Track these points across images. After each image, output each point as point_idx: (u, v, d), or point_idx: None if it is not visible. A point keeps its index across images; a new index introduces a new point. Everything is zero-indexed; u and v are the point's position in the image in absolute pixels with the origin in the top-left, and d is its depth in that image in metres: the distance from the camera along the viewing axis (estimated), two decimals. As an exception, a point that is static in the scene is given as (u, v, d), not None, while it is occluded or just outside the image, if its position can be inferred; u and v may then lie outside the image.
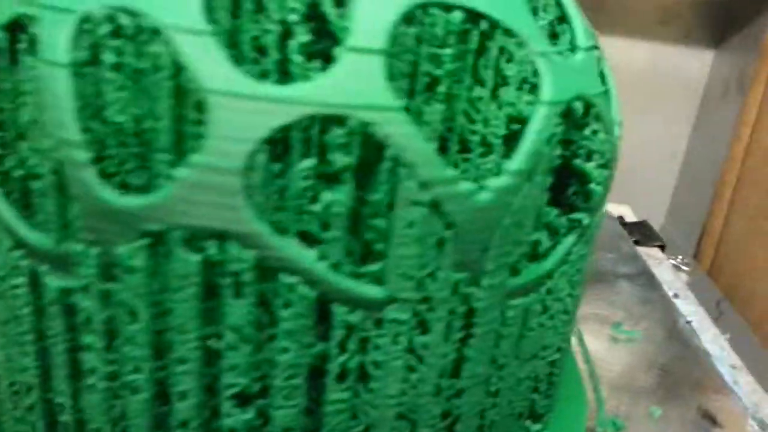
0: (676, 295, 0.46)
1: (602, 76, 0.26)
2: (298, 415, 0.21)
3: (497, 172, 0.20)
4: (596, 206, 0.25)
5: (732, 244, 0.89)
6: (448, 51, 0.21)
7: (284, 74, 0.20)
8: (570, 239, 0.25)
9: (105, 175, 0.20)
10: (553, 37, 0.26)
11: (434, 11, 0.20)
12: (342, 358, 0.21)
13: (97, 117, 0.20)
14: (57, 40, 0.18)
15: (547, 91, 0.21)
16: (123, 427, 0.22)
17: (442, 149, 0.23)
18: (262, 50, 0.20)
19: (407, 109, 0.19)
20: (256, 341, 0.20)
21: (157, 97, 0.19)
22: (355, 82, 0.18)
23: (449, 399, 0.23)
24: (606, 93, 0.24)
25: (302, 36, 0.20)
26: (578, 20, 0.25)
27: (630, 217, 0.59)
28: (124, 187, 0.19)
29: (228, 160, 0.17)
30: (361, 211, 0.19)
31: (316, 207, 0.19)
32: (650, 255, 0.52)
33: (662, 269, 0.50)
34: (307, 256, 0.19)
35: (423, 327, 0.21)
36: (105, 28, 0.19)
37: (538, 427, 0.29)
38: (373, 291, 0.20)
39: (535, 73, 0.21)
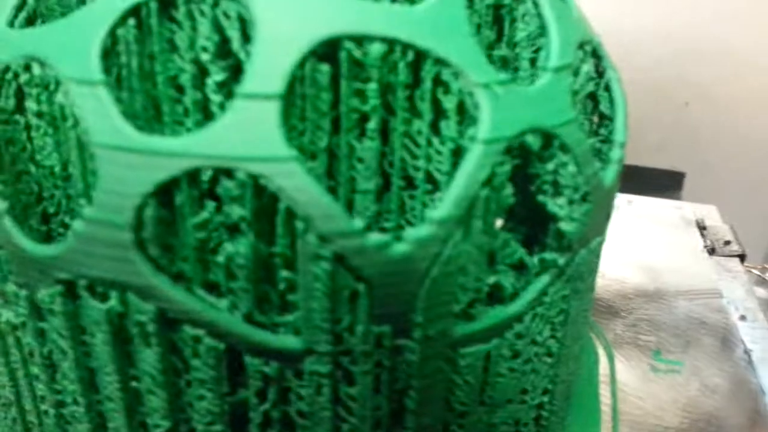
0: (743, 317, 0.41)
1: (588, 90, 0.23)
2: (226, 458, 0.21)
3: (421, 219, 0.19)
4: (571, 245, 0.22)
5: None
6: (371, 86, 0.19)
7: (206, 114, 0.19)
8: (544, 280, 0.23)
9: (43, 219, 0.20)
10: (535, 51, 0.23)
11: (349, 46, 0.18)
12: (263, 407, 0.20)
13: (31, 160, 0.20)
14: (-23, 91, 0.19)
15: (483, 129, 0.19)
16: (74, 453, 0.23)
17: (385, 186, 0.21)
18: (180, 90, 0.20)
19: (323, 155, 0.18)
20: (173, 387, 0.20)
21: (69, 146, 0.19)
22: (245, 130, 0.17)
23: (394, 448, 0.22)
24: (574, 121, 0.21)
25: (217, 74, 0.19)
26: (556, 33, 0.22)
27: (713, 221, 0.53)
28: (48, 237, 0.20)
29: (116, 215, 0.17)
30: (271, 261, 0.19)
31: (220, 258, 0.18)
32: (724, 267, 0.46)
33: (735, 285, 0.44)
34: (209, 308, 0.18)
35: (349, 379, 0.20)
36: (24, 77, 0.19)
37: (526, 470, 0.27)
38: (289, 342, 0.19)
39: (477, 106, 0.19)
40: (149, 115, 0.20)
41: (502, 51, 0.24)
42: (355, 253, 0.18)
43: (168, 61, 0.19)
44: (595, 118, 0.26)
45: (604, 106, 0.26)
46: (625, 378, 0.35)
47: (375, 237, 0.18)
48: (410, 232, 0.18)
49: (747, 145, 0.89)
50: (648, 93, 0.87)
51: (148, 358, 0.19)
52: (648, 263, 0.46)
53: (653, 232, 0.51)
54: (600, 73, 0.26)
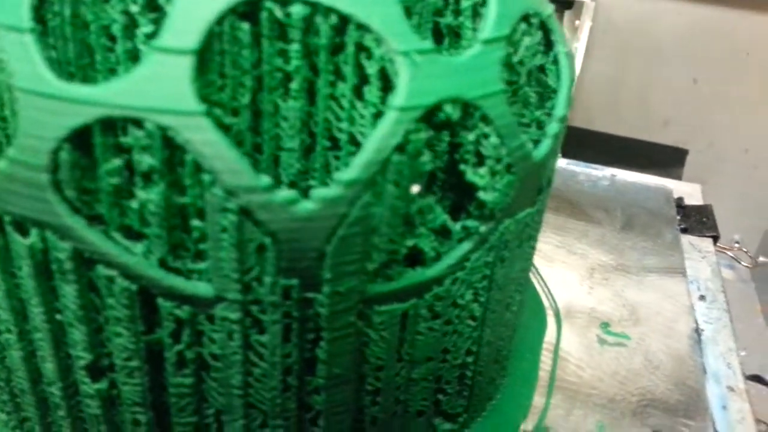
0: (702, 297, 0.41)
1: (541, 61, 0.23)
2: (144, 393, 0.22)
3: (330, 180, 0.19)
4: (493, 214, 0.23)
5: None
6: (293, 47, 0.19)
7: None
8: (465, 247, 0.23)
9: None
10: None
11: (270, 5, 0.19)
12: (177, 348, 0.21)
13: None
14: None
15: (399, 96, 0.19)
16: (11, 376, 0.24)
17: (310, 147, 0.22)
18: (112, 38, 0.20)
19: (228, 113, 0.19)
20: (92, 322, 0.21)
21: (1, 88, 0.20)
22: (157, 83, 0.17)
23: (307, 395, 0.23)
24: (499, 93, 0.21)
25: (146, 26, 0.19)
26: (495, 4, 0.22)
27: (695, 200, 0.53)
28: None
29: (34, 156, 0.18)
30: (185, 208, 0.19)
31: (134, 204, 0.19)
32: (696, 246, 0.47)
33: (702, 265, 0.44)
34: (123, 252, 0.19)
35: (259, 327, 0.21)
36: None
37: (448, 425, 0.28)
38: (201, 288, 0.20)
39: (396, 73, 0.19)
40: (84, 63, 0.21)
41: (449, 19, 0.24)
42: (261, 207, 0.18)
43: (100, 11, 0.20)
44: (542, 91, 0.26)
45: (551, 80, 0.26)
46: (571, 347, 0.36)
47: (281, 193, 0.18)
48: (317, 192, 0.19)
49: (752, 127, 0.87)
50: (656, 68, 0.86)
51: (68, 293, 0.20)
52: (618, 238, 0.47)
53: (630, 208, 0.51)
54: (549, 46, 0.26)
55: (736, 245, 0.54)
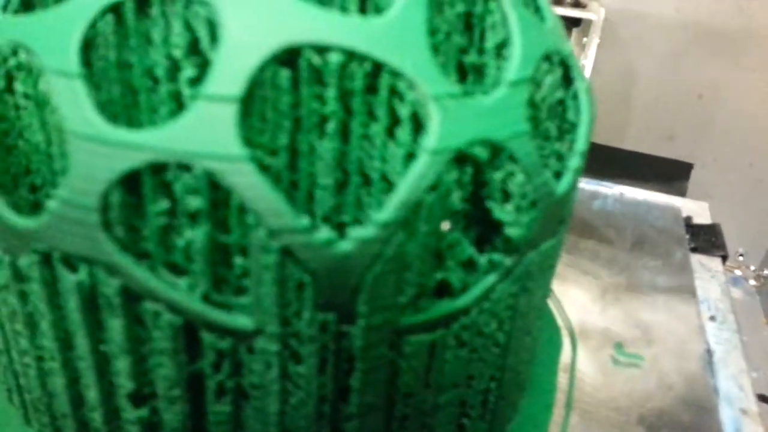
0: (712, 318, 0.42)
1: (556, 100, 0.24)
2: (184, 420, 0.23)
3: (366, 221, 0.20)
4: (518, 248, 0.24)
5: None
6: (330, 92, 0.20)
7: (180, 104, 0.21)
8: (490, 278, 0.24)
9: (32, 189, 0.22)
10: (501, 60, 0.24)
11: (309, 53, 0.19)
12: (217, 378, 0.22)
13: (20, 136, 0.22)
14: (-31, 72, 0.21)
15: (430, 138, 0.20)
16: (52, 401, 0.25)
17: (344, 183, 0.23)
18: (155, 80, 0.21)
19: (285, 154, 0.20)
20: (137, 353, 0.22)
21: (51, 127, 0.20)
22: (203, 129, 0.18)
23: (340, 422, 0.24)
24: (525, 133, 0.22)
25: (188, 70, 0.20)
26: (519, 46, 0.23)
27: (703, 219, 0.54)
28: (35, 206, 0.21)
29: (85, 197, 0.19)
30: (228, 247, 0.20)
31: (180, 242, 0.20)
32: (705, 266, 0.47)
33: (711, 285, 0.45)
34: (169, 287, 0.20)
35: (296, 358, 0.22)
36: (13, 61, 0.21)
37: (471, 449, 0.29)
38: (241, 322, 0.21)
39: (427, 116, 0.20)
40: (127, 102, 0.22)
41: (473, 58, 0.25)
42: (302, 248, 0.19)
43: (144, 55, 0.21)
44: (563, 125, 0.27)
45: (571, 114, 0.27)
46: (586, 368, 0.37)
47: (320, 234, 0.19)
48: (354, 232, 0.20)
49: (757, 141, 0.88)
50: (662, 83, 0.87)
51: (114, 326, 0.21)
52: (629, 257, 0.48)
53: (639, 227, 0.52)
54: (568, 82, 0.26)
55: (741, 258, 0.55)
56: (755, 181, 0.91)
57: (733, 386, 0.37)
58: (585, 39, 0.79)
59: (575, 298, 0.43)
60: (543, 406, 0.33)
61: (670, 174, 0.88)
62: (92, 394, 0.23)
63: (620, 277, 0.45)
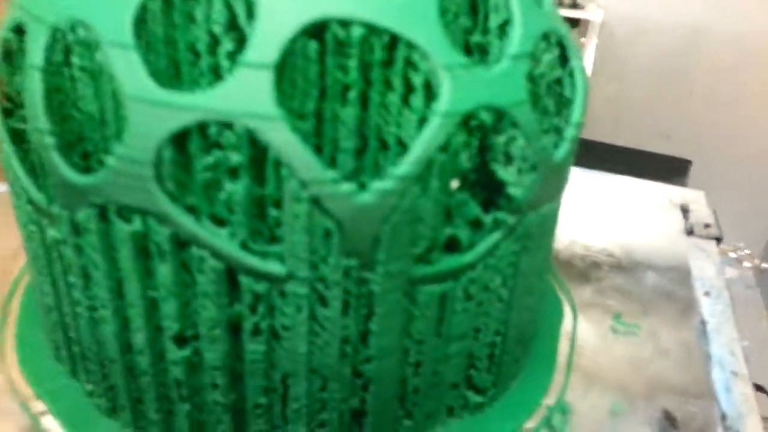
0: (707, 293, 0.44)
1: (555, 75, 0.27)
2: (224, 358, 0.26)
3: (385, 175, 0.23)
4: (520, 207, 0.26)
5: None
6: (352, 62, 0.23)
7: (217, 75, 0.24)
8: (495, 236, 0.27)
9: (83, 155, 0.25)
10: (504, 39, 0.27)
11: (334, 27, 0.22)
12: (253, 319, 0.25)
13: (74, 106, 0.25)
14: (35, 46, 0.23)
15: (442, 103, 0.23)
16: (102, 348, 0.28)
17: (363, 147, 0.25)
18: (197, 54, 0.24)
19: (304, 116, 0.22)
20: (182, 297, 0.24)
21: (105, 97, 0.23)
22: (243, 92, 0.21)
23: (359, 363, 0.27)
24: (525, 101, 0.25)
25: (227, 44, 0.23)
26: (519, 24, 0.26)
27: (699, 205, 0.56)
28: (86, 169, 0.24)
29: (140, 153, 0.22)
30: (263, 200, 0.23)
31: (222, 195, 0.23)
32: (700, 247, 0.50)
33: (706, 264, 0.48)
34: (213, 235, 0.23)
35: (323, 301, 0.24)
36: (72, 37, 0.24)
37: (478, 398, 0.32)
38: (275, 267, 0.24)
39: (439, 84, 0.23)
40: (171, 74, 0.25)
41: (478, 37, 0.28)
42: (328, 197, 0.22)
43: (187, 31, 0.23)
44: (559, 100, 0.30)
45: (567, 91, 0.29)
46: (586, 336, 0.40)
47: (345, 186, 0.22)
48: (374, 185, 0.22)
49: (752, 136, 0.90)
50: (659, 80, 0.89)
51: (163, 272, 0.24)
52: (627, 239, 0.50)
53: (638, 213, 0.54)
54: (565, 61, 0.29)
55: (743, 251, 0.57)
56: (753, 177, 0.93)
57: (725, 352, 0.39)
58: (583, 39, 0.81)
59: (576, 273, 0.45)
60: (545, 367, 0.36)
61: (670, 170, 0.90)
62: (140, 338, 0.26)
63: (619, 253, 0.48)
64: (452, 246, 0.26)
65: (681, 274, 0.47)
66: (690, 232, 0.52)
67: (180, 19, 0.23)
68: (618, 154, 0.94)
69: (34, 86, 0.23)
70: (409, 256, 0.25)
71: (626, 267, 0.47)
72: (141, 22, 0.23)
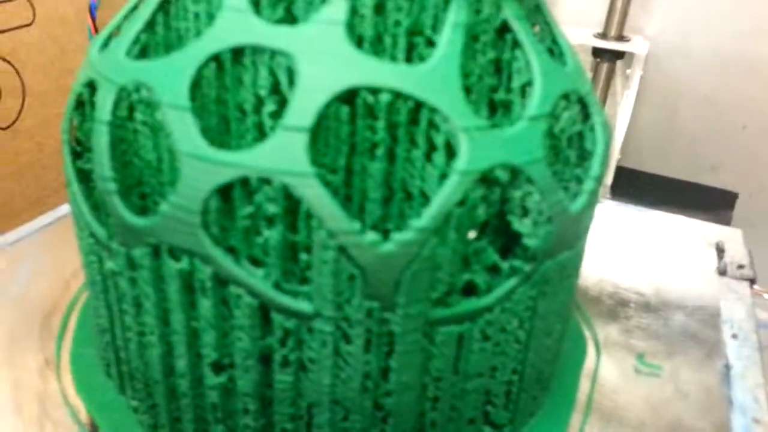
0: (734, 336, 0.45)
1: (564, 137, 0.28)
2: (255, 386, 0.28)
3: (406, 227, 0.25)
4: (535, 256, 0.28)
5: None
6: (380, 124, 0.25)
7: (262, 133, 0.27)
8: (511, 282, 0.28)
9: (141, 197, 0.28)
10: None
11: (364, 94, 0.25)
12: (283, 352, 0.27)
13: (136, 155, 0.28)
14: (104, 103, 0.27)
15: (460, 162, 0.25)
16: (147, 370, 0.31)
17: (389, 198, 0.28)
18: (244, 113, 0.27)
19: (335, 172, 0.25)
20: (221, 329, 0.27)
21: (162, 149, 0.26)
22: (282, 152, 0.24)
23: (380, 396, 0.29)
24: (541, 159, 0.26)
25: (270, 105, 0.26)
26: (539, 86, 0.27)
27: (735, 244, 0.56)
28: (143, 209, 0.27)
29: (190, 202, 0.24)
30: (295, 245, 0.25)
31: (259, 240, 0.25)
32: (732, 288, 0.50)
33: (737, 306, 0.48)
34: (250, 275, 0.25)
35: (346, 339, 0.27)
36: (136, 96, 0.27)
37: (495, 434, 0.33)
38: (303, 306, 0.26)
39: (458, 144, 0.25)
40: (221, 129, 0.27)
41: (502, 95, 0.30)
42: (354, 246, 0.24)
43: (236, 93, 0.26)
44: (581, 154, 0.31)
45: (588, 144, 0.31)
46: (607, 374, 0.41)
47: (369, 236, 0.24)
48: (396, 236, 0.25)
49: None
50: (707, 113, 0.89)
51: (205, 305, 0.27)
52: (658, 277, 0.51)
53: (672, 250, 0.55)
54: (586, 116, 0.31)
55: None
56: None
57: (748, 398, 0.40)
58: (629, 71, 0.82)
59: (602, 310, 0.46)
60: (564, 405, 0.37)
61: (715, 203, 0.89)
62: (181, 363, 0.29)
63: (648, 291, 0.48)
64: (470, 290, 0.28)
65: (710, 315, 0.47)
66: (723, 272, 0.52)
67: (230, 83, 0.26)
68: (661, 185, 0.94)
69: (101, 138, 0.27)
70: (428, 299, 0.27)
71: (655, 306, 0.48)
72: (196, 86, 0.26)
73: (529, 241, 0.27)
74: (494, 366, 0.31)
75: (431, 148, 0.26)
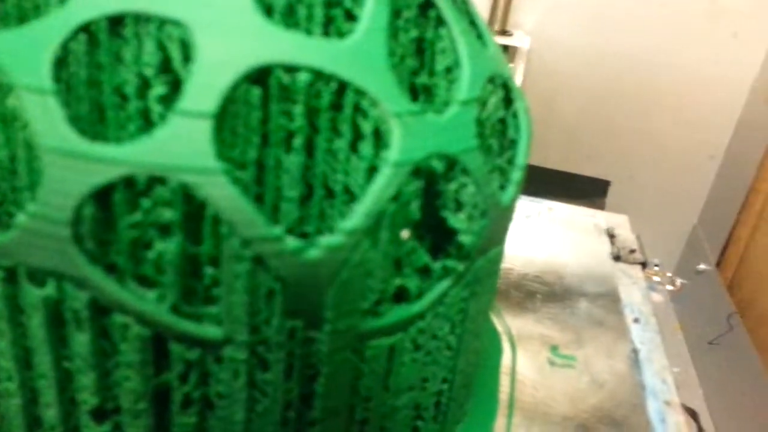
0: (636, 320, 0.45)
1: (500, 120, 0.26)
2: (149, 432, 0.23)
3: (334, 229, 0.21)
4: (470, 254, 0.25)
5: (755, 259, 0.85)
6: (297, 108, 0.21)
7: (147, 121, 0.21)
8: (444, 284, 0.26)
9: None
10: (450, 81, 0.26)
11: (279, 73, 0.21)
12: (184, 389, 0.22)
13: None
14: (-72, 87, 0.20)
15: (393, 152, 0.21)
16: (6, 425, 0.24)
17: (308, 196, 0.24)
18: (125, 98, 0.21)
19: (250, 167, 0.20)
20: (102, 367, 0.22)
21: (17, 144, 0.20)
22: (178, 143, 0.19)
23: (304, 427, 0.25)
24: (475, 148, 0.24)
25: (159, 88, 0.21)
26: (467, 68, 0.25)
27: (623, 230, 0.58)
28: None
29: (57, 212, 0.19)
30: (197, 258, 0.21)
31: (151, 254, 0.20)
32: (626, 273, 0.51)
33: (633, 290, 0.49)
34: (138, 299, 0.20)
35: (263, 365, 0.22)
36: (-24, 77, 0.21)
37: (425, 451, 0.30)
38: (211, 332, 0.21)
39: (389, 132, 0.22)
40: (94, 119, 0.22)
41: (424, 79, 0.27)
42: (273, 256, 0.20)
43: (114, 73, 0.21)
44: (504, 142, 0.29)
45: (511, 132, 0.29)
46: (524, 369, 0.39)
47: (291, 242, 0.20)
48: (322, 240, 0.21)
49: (667, 158, 0.95)
50: (583, 106, 0.92)
51: (80, 340, 0.21)
52: (559, 266, 0.51)
53: (567, 238, 0.55)
54: (509, 102, 0.29)
55: (656, 267, 0.59)
56: (667, 198, 0.98)
57: (657, 381, 0.40)
58: (512, 65, 0.83)
59: (512, 304, 0.45)
60: (488, 408, 0.35)
61: (589, 191, 0.93)
62: (51, 413, 0.23)
63: (554, 282, 0.48)
64: (401, 296, 0.25)
65: (611, 301, 0.48)
66: (617, 257, 0.53)
67: (106, 60, 0.21)
68: (541, 176, 0.97)
69: (-76, 131, 0.20)
70: (358, 311, 0.23)
71: (560, 295, 0.47)
72: (61, 64, 0.20)
73: (465, 238, 0.25)
74: (425, 377, 0.28)
75: (357, 137, 0.22)
